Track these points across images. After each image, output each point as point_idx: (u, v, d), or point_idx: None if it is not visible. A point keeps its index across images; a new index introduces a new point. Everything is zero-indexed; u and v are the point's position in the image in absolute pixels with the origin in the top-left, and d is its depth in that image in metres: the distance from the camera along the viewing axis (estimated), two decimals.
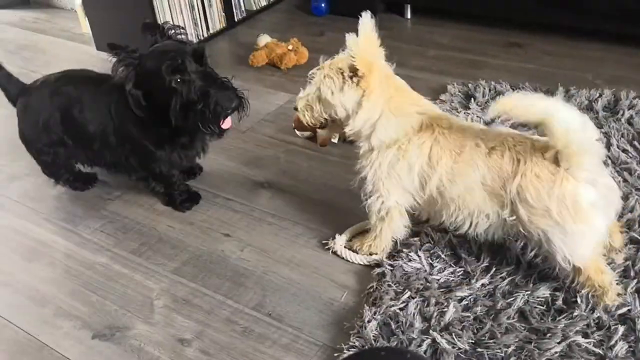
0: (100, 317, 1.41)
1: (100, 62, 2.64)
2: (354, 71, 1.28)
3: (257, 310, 1.39)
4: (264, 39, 2.52)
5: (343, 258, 1.50)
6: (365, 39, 1.30)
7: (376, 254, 1.48)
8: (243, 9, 2.89)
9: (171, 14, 2.52)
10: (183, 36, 1.59)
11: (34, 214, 1.75)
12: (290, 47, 2.46)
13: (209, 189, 1.80)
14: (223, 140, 2.00)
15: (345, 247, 1.52)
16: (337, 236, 1.53)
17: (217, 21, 2.76)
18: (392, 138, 1.32)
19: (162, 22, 1.61)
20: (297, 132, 1.98)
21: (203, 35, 2.70)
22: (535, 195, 1.18)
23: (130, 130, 1.57)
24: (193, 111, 1.46)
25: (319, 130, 1.93)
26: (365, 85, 1.29)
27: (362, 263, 1.48)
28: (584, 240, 1.19)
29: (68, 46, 2.83)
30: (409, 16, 2.82)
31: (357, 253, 1.50)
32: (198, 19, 2.66)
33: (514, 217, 1.23)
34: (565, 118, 1.11)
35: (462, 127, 1.31)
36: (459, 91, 2.12)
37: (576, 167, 1.15)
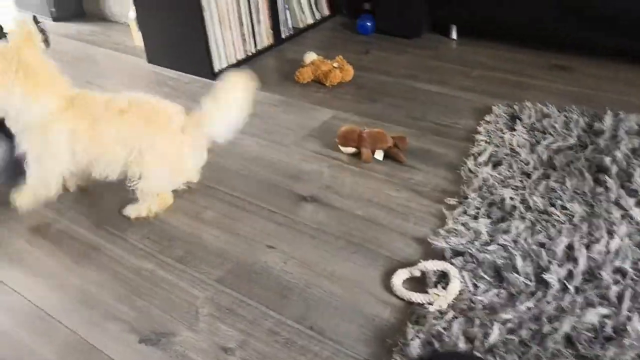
0: (146, 322, 1.44)
1: (151, 74, 2.73)
2: None
3: (299, 323, 1.40)
4: (310, 56, 2.56)
5: (402, 299, 1.44)
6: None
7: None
8: (290, 26, 2.95)
9: (221, 30, 2.58)
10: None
11: (84, 219, 1.81)
12: (335, 65, 2.50)
13: (254, 201, 1.83)
14: (268, 153, 2.05)
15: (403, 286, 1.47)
16: (394, 276, 1.49)
17: (264, 38, 2.81)
18: (35, 121, 1.66)
19: None
20: (341, 148, 2.00)
21: (251, 52, 2.76)
22: (159, 146, 1.69)
23: None
24: None
25: (362, 148, 1.95)
26: None
27: (422, 302, 1.41)
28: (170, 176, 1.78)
29: (121, 58, 2.93)
30: (454, 36, 2.83)
31: None
32: (247, 35, 2.72)
33: (136, 160, 1.68)
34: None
35: (94, 100, 1.71)
36: (504, 112, 2.11)
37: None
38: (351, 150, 1.99)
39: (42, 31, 2.02)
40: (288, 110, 2.34)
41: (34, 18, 2.05)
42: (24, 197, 1.80)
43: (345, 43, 2.89)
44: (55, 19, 3.44)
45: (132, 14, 2.95)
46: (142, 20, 2.74)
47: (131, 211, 1.79)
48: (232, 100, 1.71)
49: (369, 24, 2.92)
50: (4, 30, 2.02)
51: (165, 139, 1.71)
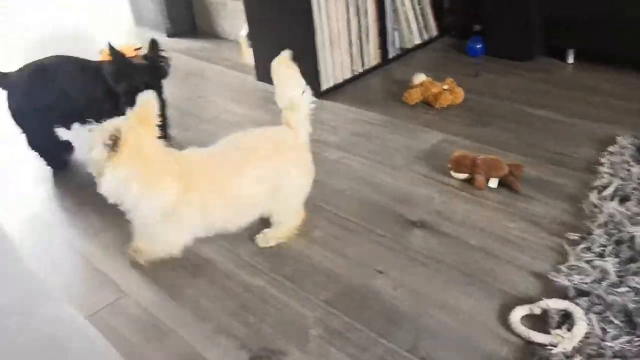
0: (257, 339, 1.45)
1: (260, 91, 2.79)
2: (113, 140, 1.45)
3: (411, 353, 1.36)
4: (420, 78, 2.53)
5: (521, 337, 1.36)
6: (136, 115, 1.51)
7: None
8: (398, 46, 2.93)
9: (331, 49, 2.60)
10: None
11: None
12: (445, 87, 2.45)
13: (363, 223, 1.81)
14: (375, 174, 2.03)
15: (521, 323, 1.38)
16: (512, 312, 1.41)
17: (372, 57, 2.81)
18: (160, 210, 1.53)
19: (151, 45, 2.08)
20: (453, 174, 1.95)
21: (358, 71, 2.76)
22: (294, 166, 1.66)
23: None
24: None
25: (476, 175, 1.89)
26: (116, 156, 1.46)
27: (544, 342, 1.32)
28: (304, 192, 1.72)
29: (230, 75, 3.02)
30: (571, 61, 2.70)
31: None
32: (355, 55, 2.72)
33: (274, 189, 1.62)
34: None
35: (210, 159, 1.61)
36: (631, 144, 1.98)
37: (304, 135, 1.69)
38: (463, 176, 1.93)
39: (164, 57, 2.10)
40: (395, 131, 2.32)
41: (155, 41, 2.10)
42: (144, 254, 1.70)
43: (454, 65, 2.83)
44: (169, 35, 3.61)
45: (243, 32, 3.04)
46: (253, 38, 2.82)
47: (266, 241, 1.74)
48: (292, 85, 1.69)
49: (478, 46, 2.85)
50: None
51: (289, 159, 1.65)
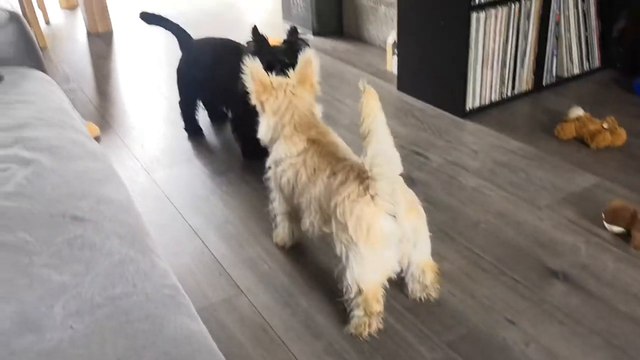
0: None
1: (399, 101, 2.70)
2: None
3: None
4: (576, 111, 2.31)
5: None
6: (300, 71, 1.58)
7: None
8: (554, 74, 2.71)
9: (482, 69, 2.45)
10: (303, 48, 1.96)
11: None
12: (605, 126, 2.22)
13: (497, 263, 1.66)
14: (515, 210, 1.86)
15: None
16: None
17: (524, 82, 2.62)
18: (279, 158, 1.58)
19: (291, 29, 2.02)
20: (606, 225, 1.74)
21: (507, 95, 2.59)
22: (342, 211, 1.33)
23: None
24: None
25: (635, 231, 1.67)
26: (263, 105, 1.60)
27: None
28: (371, 263, 1.34)
29: (371, 81, 2.90)
30: None
31: None
32: (506, 77, 2.55)
33: (329, 230, 1.40)
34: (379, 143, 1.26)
35: (329, 154, 1.48)
36: None
37: (379, 195, 1.30)
38: (618, 229, 1.72)
39: (303, 40, 2.05)
40: (542, 166, 2.13)
41: (294, 27, 2.07)
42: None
43: (616, 102, 2.57)
44: (314, 33, 3.61)
45: (390, 39, 2.96)
46: (401, 47, 2.72)
47: (349, 328, 1.45)
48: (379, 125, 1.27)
49: None
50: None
51: (355, 200, 1.33)
